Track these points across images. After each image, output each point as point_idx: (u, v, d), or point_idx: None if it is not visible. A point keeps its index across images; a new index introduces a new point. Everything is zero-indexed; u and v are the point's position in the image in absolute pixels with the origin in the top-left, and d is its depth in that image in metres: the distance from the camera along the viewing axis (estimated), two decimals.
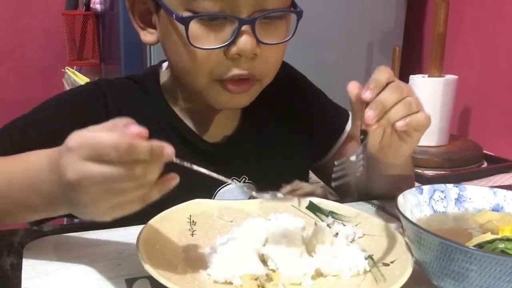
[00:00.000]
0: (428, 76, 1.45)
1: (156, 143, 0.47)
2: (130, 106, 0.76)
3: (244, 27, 0.65)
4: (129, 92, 0.78)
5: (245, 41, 0.65)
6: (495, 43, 1.60)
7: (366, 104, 0.60)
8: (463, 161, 1.41)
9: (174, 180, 0.51)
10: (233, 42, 0.65)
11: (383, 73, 0.61)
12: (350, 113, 0.90)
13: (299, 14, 0.70)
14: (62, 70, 2.48)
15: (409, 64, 1.87)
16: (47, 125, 0.72)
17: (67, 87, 2.33)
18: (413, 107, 0.61)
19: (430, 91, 1.43)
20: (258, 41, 0.66)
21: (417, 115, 0.62)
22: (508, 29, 1.55)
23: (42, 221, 0.69)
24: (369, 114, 0.58)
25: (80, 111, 0.74)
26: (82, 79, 2.15)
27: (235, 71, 0.68)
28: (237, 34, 0.65)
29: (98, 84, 0.79)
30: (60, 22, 2.42)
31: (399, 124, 0.60)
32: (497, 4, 1.59)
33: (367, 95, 0.59)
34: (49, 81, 2.79)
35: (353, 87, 0.62)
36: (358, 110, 0.62)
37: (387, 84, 0.61)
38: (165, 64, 0.82)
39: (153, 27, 0.73)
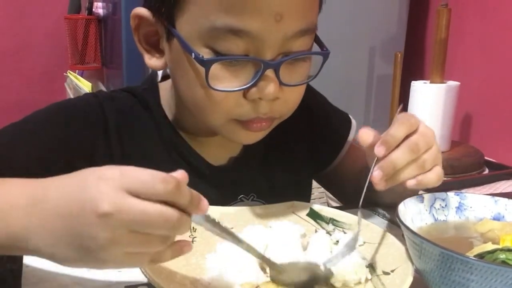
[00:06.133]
0: (430, 82, 1.45)
1: (195, 192, 0.45)
2: (130, 122, 0.72)
3: (268, 71, 0.60)
4: (129, 107, 0.73)
5: (268, 85, 0.61)
6: (497, 49, 1.60)
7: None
8: (464, 167, 1.40)
9: (188, 247, 0.49)
10: (254, 84, 0.61)
11: (402, 127, 0.58)
12: (353, 121, 0.90)
13: (326, 56, 0.66)
14: (64, 74, 2.49)
15: (411, 70, 1.87)
16: (35, 138, 0.67)
17: (69, 91, 2.34)
18: (427, 166, 0.59)
19: (432, 97, 1.44)
20: (281, 83, 0.62)
21: (428, 175, 0.59)
22: (510, 36, 1.55)
23: None
24: (376, 174, 0.57)
25: (74, 125, 0.69)
26: (84, 83, 2.16)
27: (254, 115, 0.64)
28: (260, 77, 0.60)
29: (98, 97, 0.73)
30: (63, 26, 2.43)
31: (409, 183, 0.59)
32: (499, 11, 1.59)
33: (379, 151, 0.57)
34: (51, 84, 2.81)
35: (366, 136, 0.59)
36: (371, 156, 0.59)
37: (407, 136, 0.59)
38: (160, 72, 0.77)
39: (160, 51, 0.68)
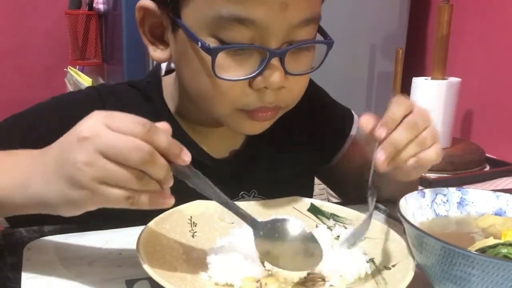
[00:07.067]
0: (431, 79, 1.45)
1: (177, 142, 0.48)
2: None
3: (273, 60, 0.61)
4: (131, 100, 0.74)
5: (274, 74, 0.61)
6: (499, 46, 1.60)
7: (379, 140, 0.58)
8: (465, 164, 1.40)
9: (169, 199, 0.50)
10: (260, 73, 0.61)
11: (399, 108, 0.59)
12: (355, 116, 0.90)
13: (330, 45, 0.67)
14: (65, 69, 2.49)
15: (412, 66, 1.87)
16: (31, 133, 0.68)
17: (70, 87, 2.34)
18: (427, 143, 0.60)
19: (433, 94, 1.43)
20: (286, 72, 0.62)
21: (428, 152, 0.60)
22: (511, 32, 1.55)
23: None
24: (379, 156, 0.57)
25: (73, 119, 0.70)
26: (84, 79, 2.16)
27: (260, 104, 0.64)
28: (265, 66, 0.61)
29: (99, 90, 0.74)
30: (63, 22, 2.42)
31: (410, 162, 0.59)
32: (501, 8, 1.59)
33: (379, 133, 0.57)
34: (51, 80, 2.80)
35: (366, 123, 0.60)
36: (371, 143, 0.60)
37: (405, 116, 0.59)
38: (164, 65, 0.78)
39: (164, 43, 0.68)
